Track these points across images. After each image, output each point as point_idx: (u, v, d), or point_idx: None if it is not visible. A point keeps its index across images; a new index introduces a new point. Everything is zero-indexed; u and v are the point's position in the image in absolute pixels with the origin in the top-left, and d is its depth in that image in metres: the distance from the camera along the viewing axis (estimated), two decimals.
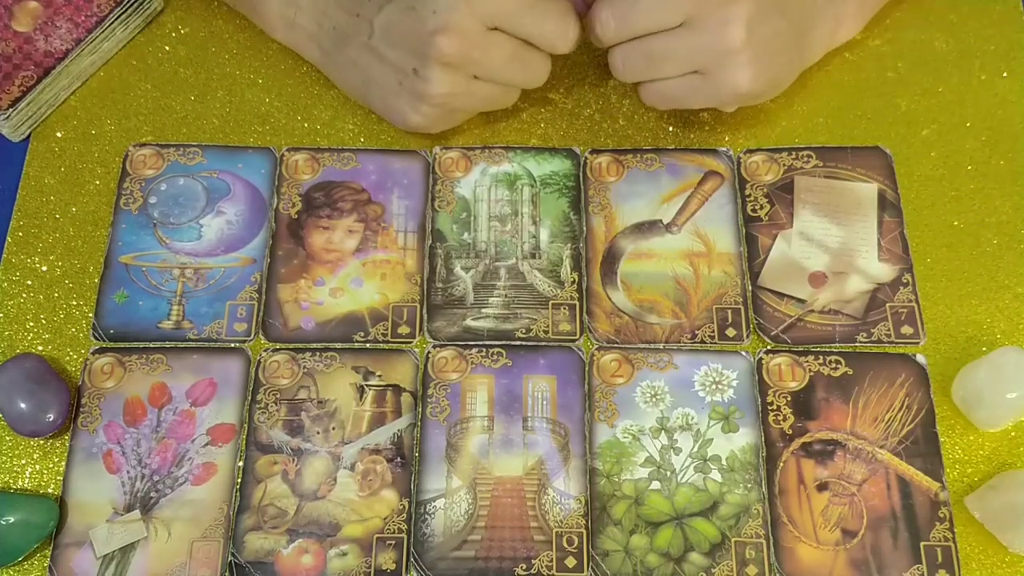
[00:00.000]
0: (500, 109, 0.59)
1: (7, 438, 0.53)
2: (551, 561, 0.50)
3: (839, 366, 0.54)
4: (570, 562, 0.50)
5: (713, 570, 0.50)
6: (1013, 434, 0.53)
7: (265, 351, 0.54)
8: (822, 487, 0.51)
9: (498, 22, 0.52)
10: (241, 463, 0.52)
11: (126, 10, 0.61)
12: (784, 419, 0.53)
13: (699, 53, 0.52)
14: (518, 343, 0.55)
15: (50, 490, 0.51)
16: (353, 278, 0.56)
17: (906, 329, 0.55)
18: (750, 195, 0.59)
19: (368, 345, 0.55)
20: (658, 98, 0.55)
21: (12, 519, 0.49)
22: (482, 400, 0.53)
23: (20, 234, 0.58)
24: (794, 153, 0.60)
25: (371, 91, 0.57)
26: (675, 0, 0.51)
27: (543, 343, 0.55)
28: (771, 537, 0.50)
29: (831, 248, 0.57)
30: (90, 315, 0.55)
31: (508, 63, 0.54)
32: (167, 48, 0.63)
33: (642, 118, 0.61)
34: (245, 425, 0.53)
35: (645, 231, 0.58)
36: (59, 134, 0.60)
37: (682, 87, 0.54)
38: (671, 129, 0.61)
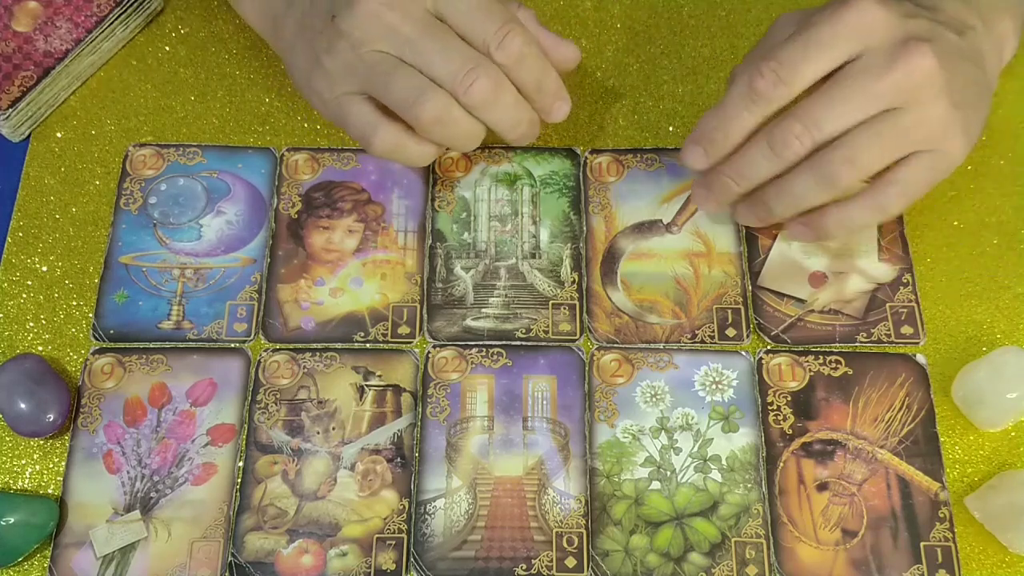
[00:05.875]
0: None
1: (7, 438, 0.53)
2: (551, 561, 0.50)
3: (839, 366, 0.54)
4: (570, 562, 0.50)
5: (713, 570, 0.50)
6: (1013, 434, 0.53)
7: (265, 351, 0.54)
8: (822, 487, 0.51)
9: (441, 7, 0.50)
10: (241, 463, 0.52)
11: (126, 10, 0.61)
12: (784, 419, 0.53)
13: (910, 134, 0.48)
14: (518, 343, 0.55)
15: (50, 490, 0.51)
16: (353, 278, 0.56)
17: (906, 329, 0.55)
18: None
19: (368, 345, 0.55)
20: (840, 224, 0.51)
21: (12, 519, 0.49)
22: (482, 400, 0.53)
23: (20, 234, 0.58)
24: None
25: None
26: (871, 88, 0.47)
27: (543, 343, 0.55)
28: (771, 537, 0.50)
29: (831, 248, 0.57)
30: (90, 315, 0.55)
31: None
32: (167, 48, 0.63)
33: (642, 118, 0.61)
34: (245, 425, 0.53)
35: (645, 231, 0.58)
36: (59, 134, 0.60)
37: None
38: (671, 129, 0.61)
